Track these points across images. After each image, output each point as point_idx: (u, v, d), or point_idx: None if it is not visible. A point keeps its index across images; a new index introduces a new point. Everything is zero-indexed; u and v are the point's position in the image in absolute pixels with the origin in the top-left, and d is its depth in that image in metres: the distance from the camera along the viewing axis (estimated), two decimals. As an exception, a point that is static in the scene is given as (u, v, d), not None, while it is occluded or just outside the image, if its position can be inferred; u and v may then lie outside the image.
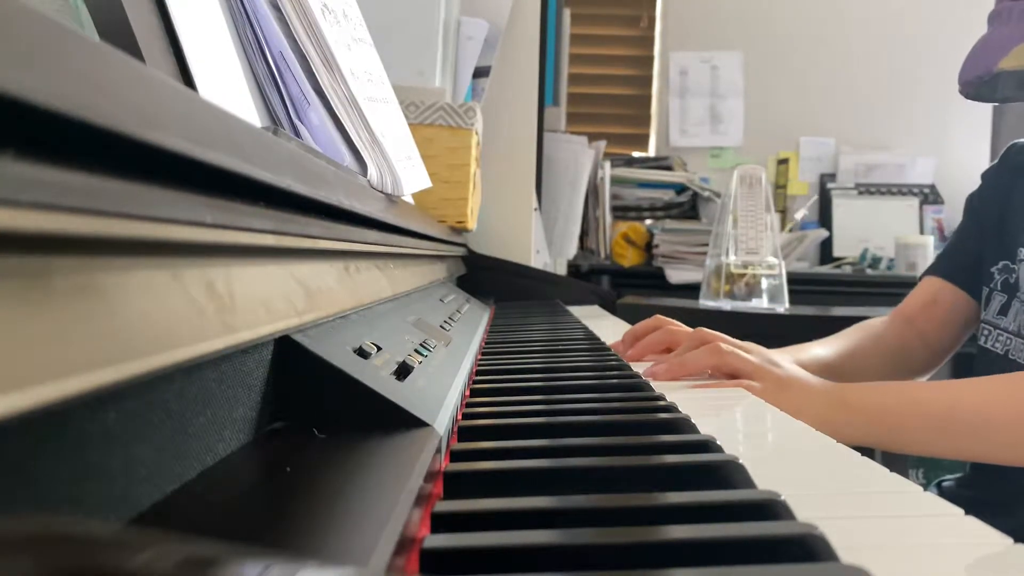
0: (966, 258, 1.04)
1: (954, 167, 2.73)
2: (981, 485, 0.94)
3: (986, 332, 0.95)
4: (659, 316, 0.86)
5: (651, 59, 2.91)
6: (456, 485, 0.35)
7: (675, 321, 0.85)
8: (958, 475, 1.04)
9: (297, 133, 0.60)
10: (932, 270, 1.08)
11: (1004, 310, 0.93)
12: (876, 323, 1.07)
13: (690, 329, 0.82)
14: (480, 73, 1.50)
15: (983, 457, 0.74)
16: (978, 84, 0.94)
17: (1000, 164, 1.03)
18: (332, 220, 0.43)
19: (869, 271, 2.44)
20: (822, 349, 0.99)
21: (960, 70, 0.96)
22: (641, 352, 0.82)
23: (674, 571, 0.26)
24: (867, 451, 0.45)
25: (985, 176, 1.06)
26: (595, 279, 2.31)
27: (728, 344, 0.75)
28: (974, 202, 1.07)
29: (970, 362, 1.04)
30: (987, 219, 1.01)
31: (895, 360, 1.03)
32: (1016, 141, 1.04)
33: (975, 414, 0.68)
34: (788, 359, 0.83)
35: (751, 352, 0.75)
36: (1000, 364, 0.90)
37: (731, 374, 0.72)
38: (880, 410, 0.71)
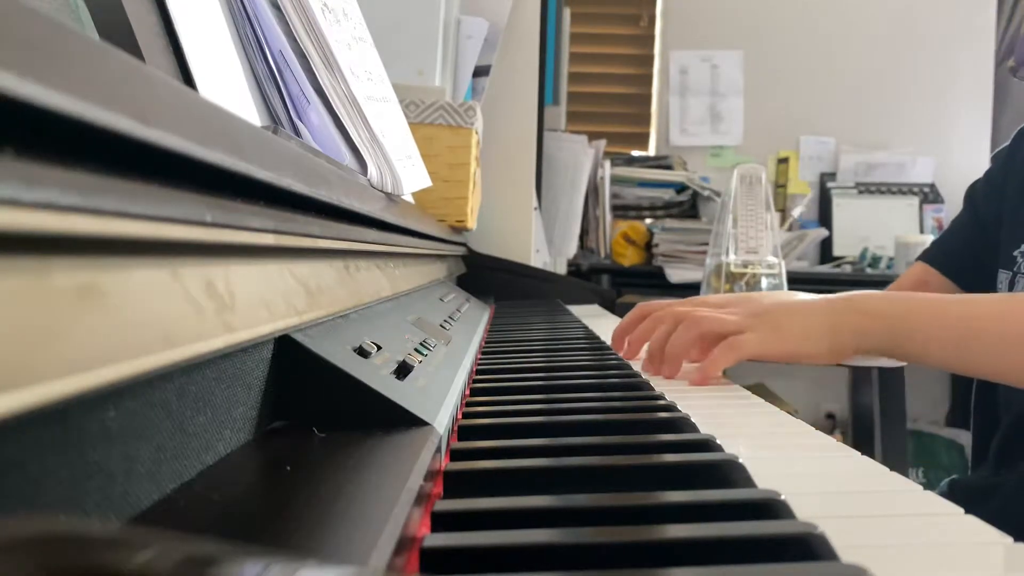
0: (959, 249, 1.03)
1: (954, 166, 2.73)
2: (994, 478, 0.93)
3: None
4: (641, 305, 0.81)
5: (651, 58, 2.91)
6: (456, 484, 0.35)
7: (658, 303, 0.80)
8: (955, 476, 1.04)
9: (297, 132, 0.60)
10: (923, 256, 1.07)
11: None
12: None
13: (675, 303, 0.79)
14: (480, 72, 1.50)
15: (999, 374, 0.71)
16: None
17: (1013, 147, 1.01)
18: (332, 219, 0.43)
19: (869, 270, 2.44)
20: None
21: (1018, 47, 0.95)
22: (636, 349, 0.80)
23: (674, 570, 0.26)
24: (867, 449, 0.45)
25: (996, 157, 1.03)
26: (595, 278, 2.31)
27: (705, 308, 0.71)
28: (976, 190, 1.05)
29: None
30: (998, 203, 0.99)
31: None
32: None
33: (996, 324, 0.66)
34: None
35: (731, 305, 0.72)
36: None
37: (718, 337, 0.68)
38: (896, 315, 0.68)
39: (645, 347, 0.79)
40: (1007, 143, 1.03)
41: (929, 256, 1.06)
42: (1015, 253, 0.93)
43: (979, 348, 0.67)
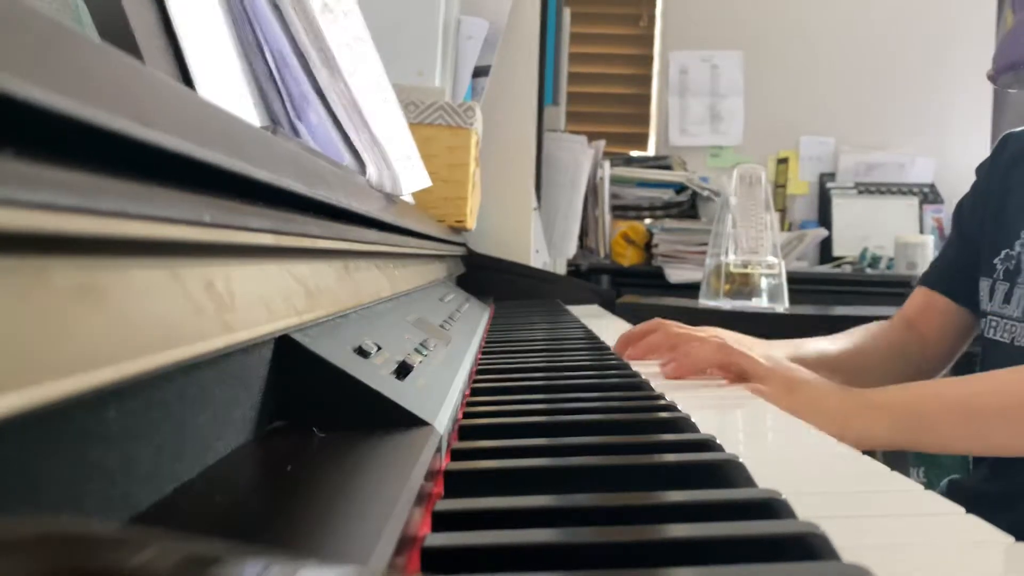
0: (951, 269, 1.05)
1: (954, 167, 2.73)
2: (991, 479, 0.93)
3: (993, 324, 0.95)
4: (659, 319, 0.85)
5: (651, 58, 2.91)
6: (457, 484, 0.35)
7: (677, 323, 0.84)
8: (958, 475, 1.04)
9: (296, 132, 0.60)
10: (923, 280, 1.09)
11: (1007, 298, 0.92)
12: (880, 325, 1.08)
13: (695, 329, 0.82)
14: (480, 72, 1.50)
15: (1007, 448, 0.73)
16: (1018, 71, 0.93)
17: (995, 155, 1.02)
18: (331, 219, 0.43)
19: (869, 270, 2.44)
20: (826, 344, 0.99)
21: (995, 55, 0.95)
22: (643, 352, 0.82)
23: (674, 570, 0.26)
24: (869, 451, 0.45)
25: (979, 170, 1.06)
26: (595, 278, 2.31)
27: (738, 344, 0.74)
28: (962, 209, 1.07)
29: (970, 362, 1.04)
30: (982, 215, 1.00)
31: (896, 361, 1.03)
32: (1010, 131, 1.03)
33: (996, 400, 0.68)
34: (785, 353, 0.83)
35: (761, 353, 0.74)
36: (1007, 352, 0.90)
37: (739, 375, 0.71)
38: (902, 405, 0.70)
39: (647, 355, 0.81)
40: (989, 154, 1.04)
41: (927, 279, 1.09)
42: (995, 261, 0.94)
43: (984, 425, 0.69)
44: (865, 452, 0.44)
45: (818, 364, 0.94)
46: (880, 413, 0.69)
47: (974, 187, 1.06)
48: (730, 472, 0.36)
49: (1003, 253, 0.94)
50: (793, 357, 0.91)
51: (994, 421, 0.69)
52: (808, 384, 0.72)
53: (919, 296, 1.08)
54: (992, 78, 0.97)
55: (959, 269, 1.03)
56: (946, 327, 1.04)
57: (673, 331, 0.82)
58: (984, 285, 0.96)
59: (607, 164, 2.38)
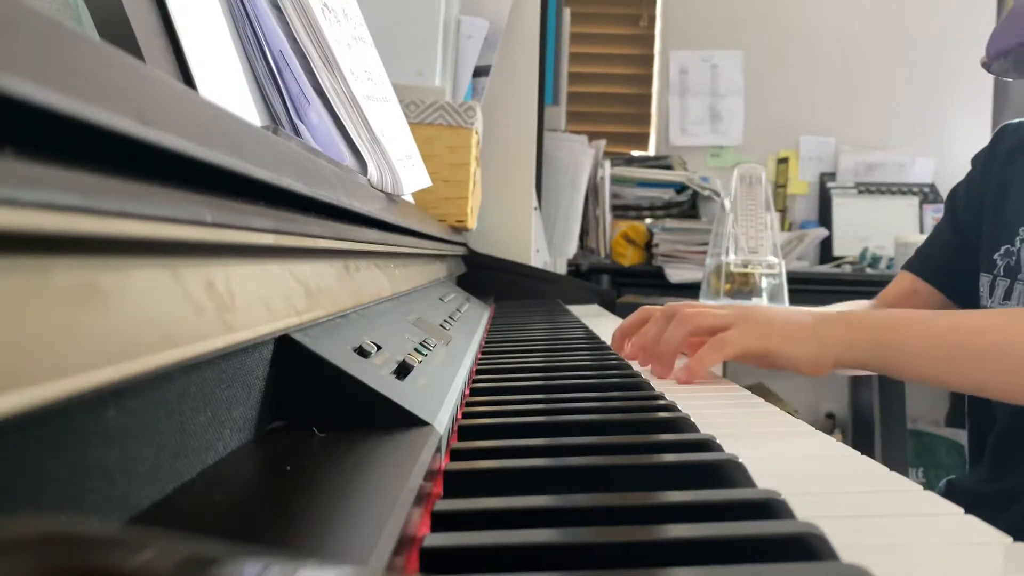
0: (940, 256, 1.04)
1: (954, 166, 2.72)
2: (990, 479, 0.93)
3: None
4: (644, 308, 0.82)
5: (651, 58, 2.91)
6: (456, 484, 0.35)
7: (658, 307, 0.81)
8: (956, 476, 1.04)
9: (297, 132, 0.60)
10: (907, 265, 1.08)
11: (1008, 295, 0.92)
12: (861, 305, 1.07)
13: (684, 305, 0.80)
14: (480, 72, 1.50)
15: (978, 388, 0.73)
16: (1012, 57, 0.92)
17: (992, 146, 1.01)
18: (332, 219, 0.43)
19: (869, 270, 2.44)
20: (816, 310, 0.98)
21: (988, 42, 0.94)
22: (636, 351, 0.81)
23: (674, 570, 0.26)
24: (867, 449, 0.45)
25: (975, 160, 1.03)
26: (595, 278, 2.31)
27: (694, 306, 0.72)
28: (956, 196, 1.05)
29: None
30: (978, 207, 0.99)
31: None
32: (1007, 123, 1.01)
33: (979, 337, 0.68)
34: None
35: (725, 308, 0.73)
36: None
37: (708, 333, 0.69)
38: (883, 328, 0.69)
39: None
40: (986, 145, 1.03)
41: (912, 265, 1.07)
42: (995, 256, 0.94)
43: (961, 361, 0.69)
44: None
45: None
46: (860, 332, 0.69)
47: (969, 177, 1.04)
48: (730, 472, 0.36)
49: (1003, 249, 0.93)
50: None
51: (972, 359, 0.68)
52: (776, 316, 0.70)
53: (903, 281, 1.06)
54: (985, 65, 0.97)
55: (948, 258, 1.02)
56: None
57: (658, 318, 0.77)
58: (984, 281, 0.95)
59: (607, 164, 2.38)
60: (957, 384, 0.73)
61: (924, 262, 1.06)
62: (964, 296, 0.98)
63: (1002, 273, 0.93)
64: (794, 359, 0.69)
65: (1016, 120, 1.01)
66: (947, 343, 0.68)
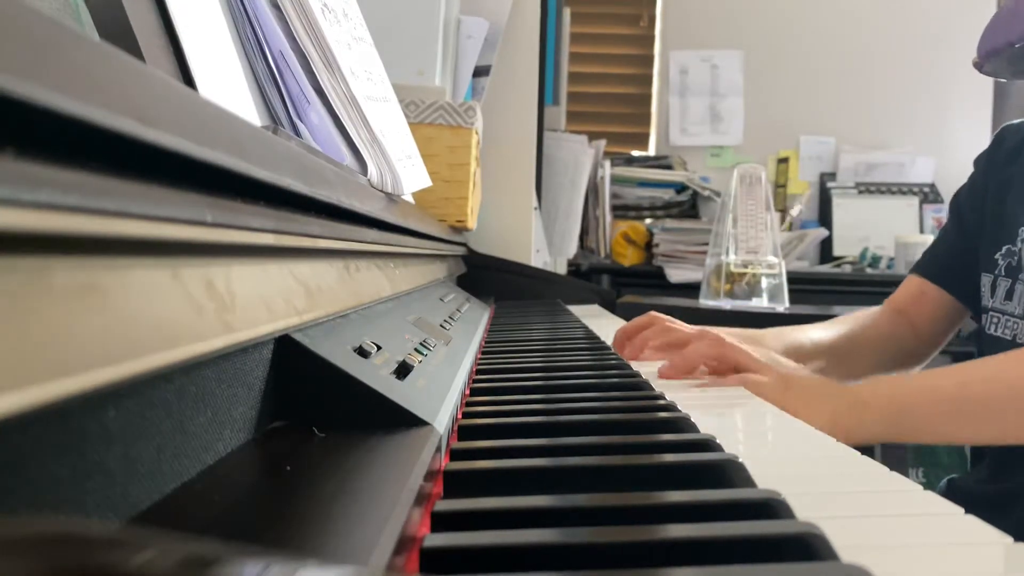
0: (947, 257, 1.04)
1: (954, 166, 2.73)
2: (990, 479, 0.93)
3: (994, 320, 0.94)
4: (653, 313, 0.84)
5: (651, 58, 2.91)
6: (456, 484, 0.35)
7: (670, 318, 0.84)
8: (956, 476, 1.04)
9: (297, 132, 0.60)
10: (915, 268, 1.09)
11: (1009, 295, 0.92)
12: (869, 313, 1.08)
13: (689, 326, 0.82)
14: (480, 72, 1.50)
15: (998, 437, 0.73)
16: (1004, 56, 0.92)
17: (992, 148, 1.01)
18: (332, 219, 0.43)
19: (869, 270, 2.44)
20: (820, 333, 0.99)
21: (980, 41, 0.94)
22: (639, 349, 0.82)
23: (674, 570, 0.26)
24: (867, 449, 0.45)
25: (977, 162, 1.05)
26: (595, 278, 2.31)
27: (732, 338, 0.74)
28: (960, 199, 1.06)
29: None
30: (981, 208, 1.00)
31: (888, 347, 1.03)
32: (1008, 123, 1.02)
33: (985, 389, 0.68)
34: (781, 342, 0.82)
35: (756, 348, 0.74)
36: (1008, 349, 0.90)
37: (734, 368, 0.71)
38: (891, 400, 0.70)
39: (643, 351, 0.81)
40: (987, 146, 1.03)
41: (920, 268, 1.08)
42: (996, 256, 0.94)
43: (974, 415, 0.69)
44: (858, 447, 0.44)
45: (814, 352, 0.94)
46: (870, 410, 0.70)
47: (972, 179, 1.05)
48: (730, 472, 0.36)
49: (1004, 249, 0.93)
50: (789, 345, 0.91)
51: (984, 412, 0.69)
52: (801, 380, 0.72)
53: (912, 284, 1.07)
54: (978, 65, 0.97)
55: (955, 259, 1.02)
56: (937, 316, 1.04)
57: (666, 327, 0.81)
58: (985, 281, 0.96)
59: (607, 164, 2.38)
60: (975, 438, 0.75)
61: (930, 264, 1.07)
62: (972, 296, 0.99)
63: (1003, 273, 0.93)
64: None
65: (1017, 120, 1.01)
66: (956, 400, 0.69)
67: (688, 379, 0.72)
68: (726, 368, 0.72)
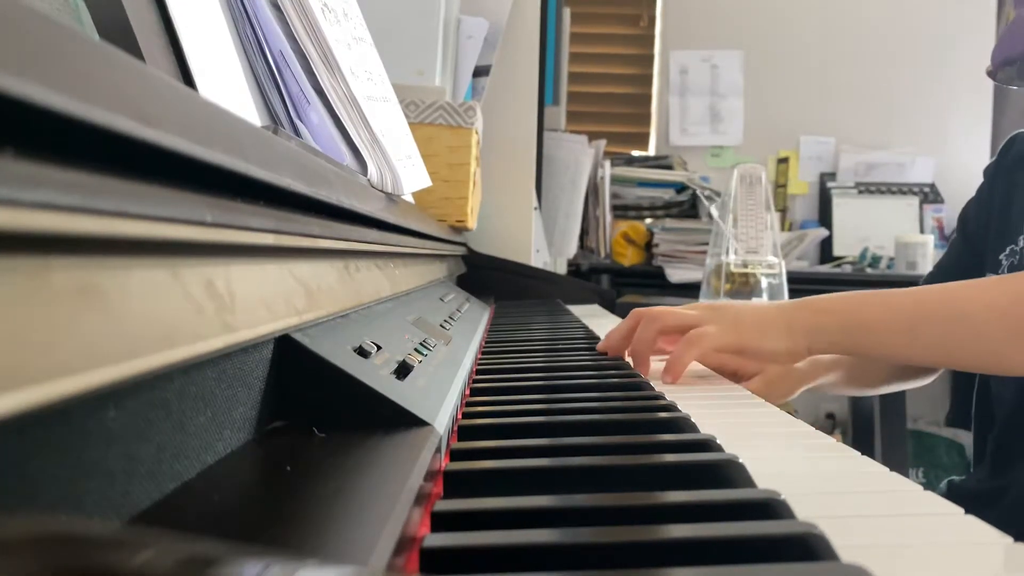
0: (954, 269, 1.05)
1: (954, 166, 2.73)
2: (990, 479, 0.93)
3: None
4: (636, 311, 0.80)
5: (651, 58, 2.91)
6: (456, 484, 0.35)
7: (646, 311, 0.81)
8: (962, 477, 1.04)
9: (297, 132, 0.60)
10: (926, 281, 1.09)
11: None
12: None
13: (670, 308, 0.80)
14: (480, 72, 1.50)
15: (948, 357, 0.73)
16: (1018, 66, 0.92)
17: (1001, 156, 1.03)
18: (332, 219, 0.43)
19: (869, 270, 2.44)
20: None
21: (993, 50, 0.95)
22: (620, 352, 0.80)
23: (674, 570, 0.26)
24: (867, 449, 0.45)
25: (986, 172, 1.06)
26: (595, 278, 2.31)
27: (662, 308, 0.74)
28: (968, 213, 1.07)
29: None
30: (987, 214, 1.00)
31: (897, 366, 1.03)
32: (1017, 132, 1.03)
33: (942, 307, 0.69)
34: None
35: (696, 308, 0.74)
36: None
37: (681, 332, 0.70)
38: (847, 310, 0.71)
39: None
40: (994, 158, 1.04)
41: (930, 281, 1.08)
42: (1000, 257, 0.95)
43: (926, 333, 0.69)
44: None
45: (832, 364, 0.94)
46: (826, 316, 0.70)
47: (980, 189, 1.06)
48: (730, 472, 0.36)
49: (1008, 249, 0.94)
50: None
51: (937, 330, 0.69)
52: (746, 307, 0.72)
53: None
54: (991, 73, 0.97)
55: (962, 273, 1.03)
56: None
57: (620, 334, 0.77)
58: None
59: (607, 164, 2.38)
60: (924, 356, 0.74)
61: (940, 277, 1.08)
62: None
63: (1007, 273, 0.93)
64: (768, 351, 0.70)
65: None
66: (911, 316, 0.69)
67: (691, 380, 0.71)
68: (676, 337, 0.70)
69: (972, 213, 1.05)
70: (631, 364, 0.72)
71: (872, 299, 0.72)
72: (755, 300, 0.79)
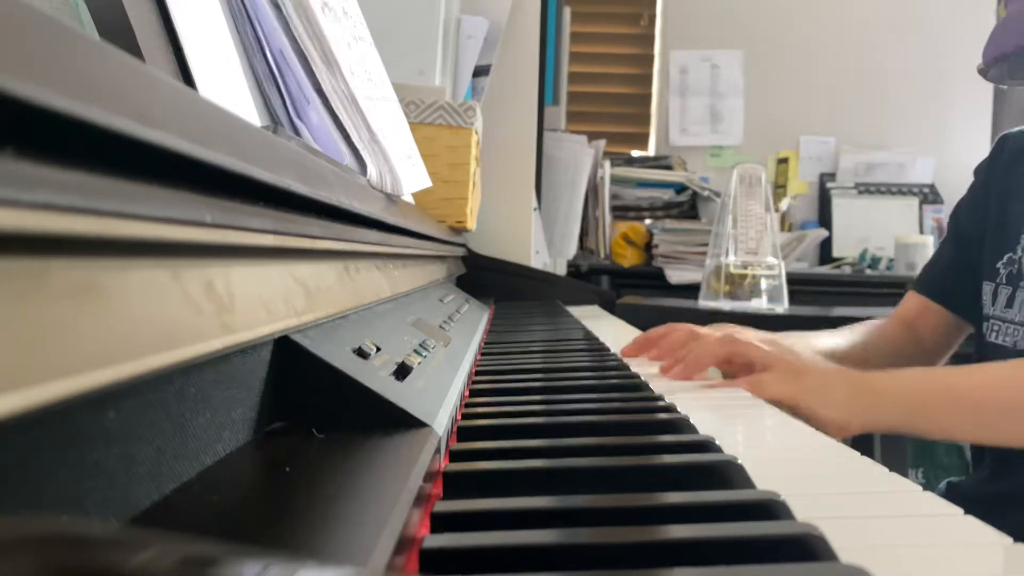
0: (944, 272, 1.06)
1: (954, 166, 2.73)
2: (990, 480, 0.94)
3: (995, 328, 0.94)
4: (672, 324, 0.84)
5: (651, 58, 2.91)
6: (455, 485, 0.35)
7: (688, 325, 0.84)
8: (961, 478, 1.05)
9: (297, 132, 0.60)
10: (916, 286, 1.10)
11: (1010, 302, 0.92)
12: (879, 323, 1.08)
13: (704, 329, 0.82)
14: (480, 72, 1.50)
15: (1015, 439, 0.74)
16: (1009, 63, 0.92)
17: (993, 156, 1.02)
18: (332, 220, 0.43)
19: (869, 271, 2.44)
20: (835, 339, 0.99)
21: (984, 48, 0.95)
22: (663, 353, 0.81)
23: (674, 571, 0.26)
24: (867, 449, 0.45)
25: (977, 171, 1.05)
26: (595, 279, 2.30)
27: (742, 331, 0.75)
28: (960, 211, 1.07)
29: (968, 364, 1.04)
30: (981, 217, 1.00)
31: (897, 360, 1.03)
32: (1007, 132, 1.03)
33: (1006, 393, 0.69)
34: (804, 346, 0.83)
35: (767, 343, 0.74)
36: (1009, 356, 0.90)
37: (745, 365, 0.71)
38: (908, 393, 0.71)
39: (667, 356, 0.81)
40: (987, 155, 1.04)
41: (920, 286, 1.09)
42: (997, 265, 0.94)
43: (989, 419, 0.70)
44: (861, 447, 0.44)
45: (829, 358, 0.94)
46: (885, 400, 0.70)
47: (972, 189, 1.05)
48: (729, 473, 0.36)
49: (1005, 257, 0.94)
50: (810, 349, 0.92)
51: (1000, 416, 0.70)
52: (814, 370, 0.72)
53: (912, 301, 1.08)
54: (982, 71, 0.97)
55: (954, 274, 1.03)
56: (939, 330, 1.05)
57: (692, 329, 0.81)
58: (987, 289, 0.96)
59: (607, 164, 2.38)
60: (987, 439, 0.76)
61: (929, 282, 1.08)
62: (972, 310, 0.99)
63: (1004, 281, 0.93)
64: (823, 420, 0.70)
65: (1016, 129, 1.02)
66: (974, 403, 0.70)
67: (699, 379, 0.71)
68: (737, 368, 0.72)
69: (964, 213, 1.05)
70: (671, 363, 0.73)
71: (933, 383, 0.72)
72: (835, 366, 0.79)
